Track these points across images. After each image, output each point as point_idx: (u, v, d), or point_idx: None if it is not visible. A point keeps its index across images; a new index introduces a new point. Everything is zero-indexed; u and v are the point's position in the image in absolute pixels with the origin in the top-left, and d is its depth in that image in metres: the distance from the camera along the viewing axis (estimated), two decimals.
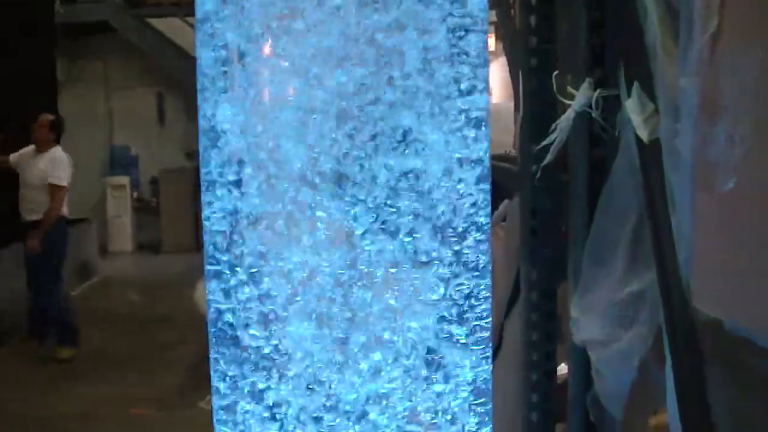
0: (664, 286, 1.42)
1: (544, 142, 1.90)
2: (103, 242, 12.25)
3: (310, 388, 0.86)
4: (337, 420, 0.86)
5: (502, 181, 3.42)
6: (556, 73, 1.93)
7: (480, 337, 0.91)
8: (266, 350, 0.87)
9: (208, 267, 0.91)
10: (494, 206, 3.70)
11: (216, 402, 0.94)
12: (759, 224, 1.15)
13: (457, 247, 0.88)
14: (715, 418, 1.37)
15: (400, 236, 0.85)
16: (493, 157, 3.45)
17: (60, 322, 7.02)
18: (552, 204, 2.30)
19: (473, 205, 0.90)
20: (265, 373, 0.87)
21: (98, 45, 13.07)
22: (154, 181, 13.27)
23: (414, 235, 0.85)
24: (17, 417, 5.33)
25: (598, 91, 1.79)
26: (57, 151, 7.05)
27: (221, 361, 0.91)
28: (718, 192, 1.19)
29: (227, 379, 0.90)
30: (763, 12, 1.08)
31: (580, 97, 1.79)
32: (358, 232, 0.84)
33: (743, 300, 1.22)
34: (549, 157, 1.90)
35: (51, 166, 6.92)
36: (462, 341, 0.89)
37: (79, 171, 12.08)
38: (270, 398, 0.87)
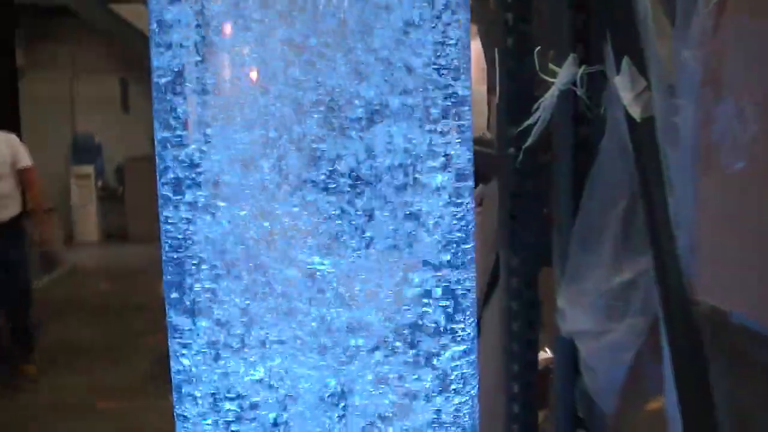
0: (662, 275, 1.33)
1: (527, 123, 1.81)
2: (68, 232, 12.04)
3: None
4: None
5: (478, 164, 3.33)
6: (537, 49, 1.83)
7: None
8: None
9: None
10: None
11: None
12: None
13: None
14: (716, 408, 1.28)
15: None
16: (476, 141, 3.35)
17: (32, 336, 6.31)
18: (533, 187, 2.21)
19: None
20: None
21: (61, 29, 12.80)
22: (119, 170, 13.06)
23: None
24: None
25: (582, 67, 1.69)
26: (4, 133, 6.08)
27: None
28: (723, 174, 1.09)
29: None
30: None
31: (564, 74, 1.69)
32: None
33: (750, 290, 1.13)
34: (532, 138, 1.81)
35: (11, 149, 5.95)
36: None
37: (42, 159, 11.88)
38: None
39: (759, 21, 1.00)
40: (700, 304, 1.23)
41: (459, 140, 0.81)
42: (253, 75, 0.76)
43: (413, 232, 0.78)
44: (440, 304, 0.80)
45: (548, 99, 1.72)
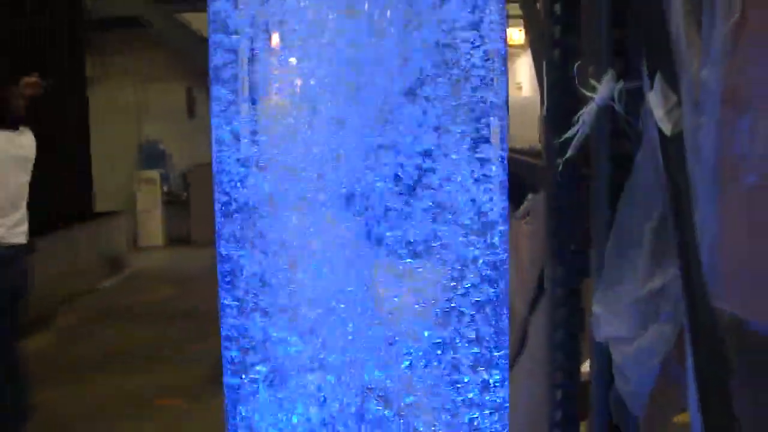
0: (687, 284, 1.38)
1: (566, 136, 1.86)
2: (133, 236, 12.33)
3: None
4: None
5: (527, 175, 3.38)
6: (577, 63, 1.89)
7: None
8: None
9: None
10: (519, 201, 3.65)
11: None
12: None
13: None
14: (738, 418, 1.33)
15: None
16: (519, 152, 3.41)
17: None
18: (576, 199, 2.26)
19: None
20: None
21: (129, 40, 13.15)
22: (184, 175, 13.34)
23: None
24: (54, 404, 5.39)
25: (620, 82, 1.74)
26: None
27: None
28: (741, 188, 1.15)
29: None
30: None
31: (603, 89, 1.75)
32: None
33: (765, 299, 1.18)
34: (570, 152, 1.86)
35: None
36: None
37: (109, 165, 12.23)
38: None
39: None
40: (722, 313, 1.27)
41: None
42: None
43: None
44: None
45: (587, 113, 1.78)
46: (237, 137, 0.91)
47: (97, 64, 12.44)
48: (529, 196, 3.52)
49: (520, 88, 13.18)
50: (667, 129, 1.48)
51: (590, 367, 2.02)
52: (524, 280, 3.32)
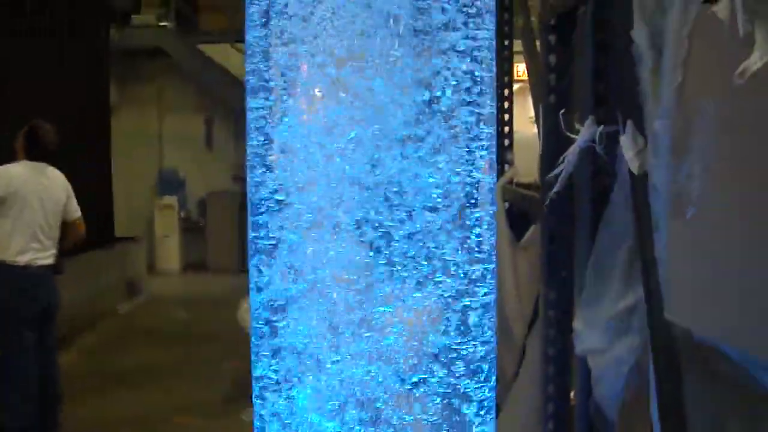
0: (648, 300, 1.63)
1: (553, 173, 2.12)
2: (150, 261, 12.61)
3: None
4: None
5: (530, 208, 3.63)
6: (562, 111, 2.15)
7: None
8: None
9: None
10: (524, 231, 3.90)
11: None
12: (719, 248, 1.36)
13: None
14: (689, 417, 1.57)
15: None
16: (523, 186, 3.69)
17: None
18: (567, 230, 2.51)
19: None
20: None
21: (150, 69, 13.54)
22: (201, 203, 13.65)
23: None
24: (77, 419, 5.63)
25: (601, 127, 2.00)
26: (57, 172, 5.27)
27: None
28: (684, 219, 1.40)
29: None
30: (715, 71, 1.29)
31: (585, 132, 2.01)
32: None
33: (708, 313, 1.42)
34: (556, 187, 2.12)
35: (66, 192, 5.24)
36: None
37: (130, 191, 12.56)
38: None
39: (706, 102, 1.30)
40: (675, 326, 1.52)
41: None
42: None
43: None
44: None
45: (571, 153, 2.04)
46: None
47: (119, 93, 12.80)
48: (532, 227, 3.78)
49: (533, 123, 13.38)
50: (635, 168, 1.73)
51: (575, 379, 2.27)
52: (522, 302, 3.57)
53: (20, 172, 4.99)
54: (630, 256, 1.86)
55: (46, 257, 5.06)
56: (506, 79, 4.33)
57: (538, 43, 3.08)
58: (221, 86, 12.94)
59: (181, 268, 13.35)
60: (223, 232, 12.91)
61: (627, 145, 1.76)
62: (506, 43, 4.35)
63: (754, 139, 1.19)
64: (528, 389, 3.03)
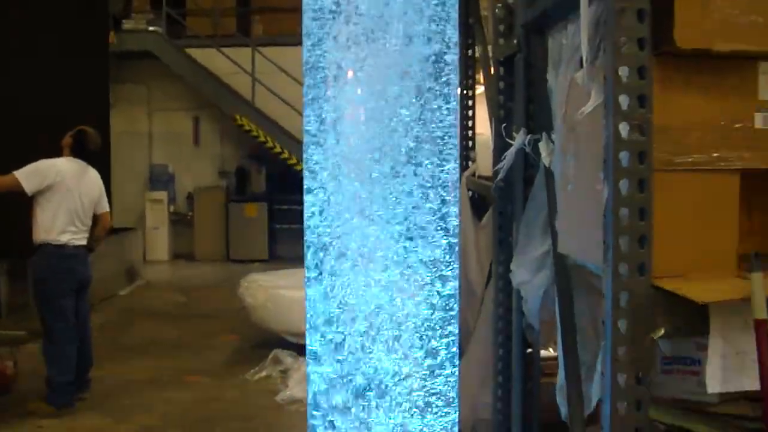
0: (553, 244, 2.64)
1: (497, 167, 3.13)
2: (142, 251, 13.51)
3: None
4: None
5: (487, 194, 4.64)
6: (503, 125, 3.15)
7: None
8: None
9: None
10: (484, 213, 4.93)
11: None
12: (585, 206, 2.36)
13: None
14: (574, 314, 2.58)
15: None
16: (486, 178, 4.86)
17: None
18: (508, 206, 3.52)
19: None
20: None
21: (141, 71, 14.43)
22: (189, 197, 14.57)
23: None
24: (99, 380, 6.55)
25: (529, 135, 3.01)
26: (92, 169, 6.40)
27: None
28: (568, 191, 2.41)
29: None
30: (578, 108, 2.29)
31: (518, 139, 3.01)
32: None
33: (578, 244, 2.43)
34: (500, 176, 3.13)
35: (99, 189, 6.38)
36: None
37: (124, 186, 13.45)
38: None
39: (574, 130, 2.31)
40: (566, 256, 2.53)
41: None
42: None
43: None
44: None
45: (509, 153, 3.04)
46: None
47: (112, 94, 13.67)
48: (489, 210, 4.80)
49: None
50: (547, 163, 2.74)
51: (514, 308, 3.27)
52: (483, 270, 4.59)
53: (67, 166, 5.99)
54: (545, 219, 2.87)
55: (80, 239, 6.05)
56: (470, 92, 5.33)
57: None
58: (207, 87, 13.89)
59: (170, 257, 14.26)
60: (210, 225, 13.89)
61: (543, 147, 2.77)
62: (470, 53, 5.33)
63: (591, 146, 2.19)
64: (485, 330, 4.04)
